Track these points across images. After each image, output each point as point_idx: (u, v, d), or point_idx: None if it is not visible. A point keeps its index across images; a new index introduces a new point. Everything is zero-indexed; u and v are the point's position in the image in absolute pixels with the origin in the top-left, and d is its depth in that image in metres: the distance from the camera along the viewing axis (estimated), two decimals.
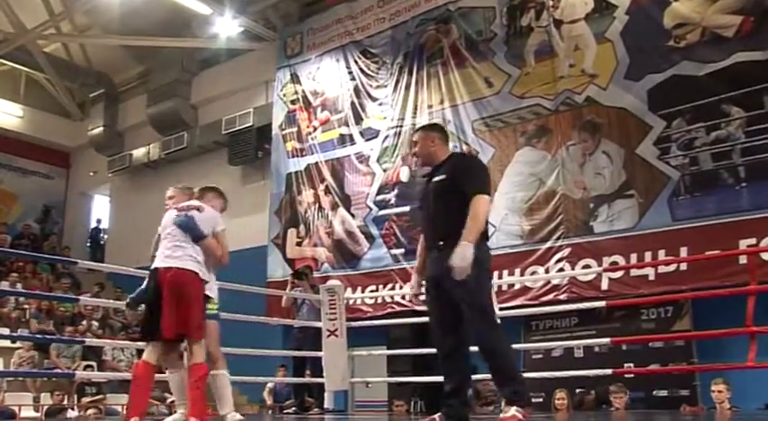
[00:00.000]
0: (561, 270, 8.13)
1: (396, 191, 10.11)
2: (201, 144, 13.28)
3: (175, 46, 13.20)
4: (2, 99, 14.92)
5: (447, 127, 8.74)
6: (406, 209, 9.85)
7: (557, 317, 8.32)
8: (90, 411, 8.72)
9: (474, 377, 3.83)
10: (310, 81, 11.57)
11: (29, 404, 8.90)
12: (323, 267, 10.62)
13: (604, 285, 7.79)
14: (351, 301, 9.35)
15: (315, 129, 11.34)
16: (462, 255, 3.30)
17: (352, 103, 10.87)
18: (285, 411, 8.78)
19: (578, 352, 7.90)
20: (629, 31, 8.27)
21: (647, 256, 7.61)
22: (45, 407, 8.73)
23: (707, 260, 6.89)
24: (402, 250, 9.78)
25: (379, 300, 9.69)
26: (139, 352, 3.89)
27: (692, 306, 7.42)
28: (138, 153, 14.24)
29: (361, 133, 10.70)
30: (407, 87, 10.22)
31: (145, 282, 4.08)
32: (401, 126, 10.20)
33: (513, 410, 3.32)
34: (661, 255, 7.54)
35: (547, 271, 8.24)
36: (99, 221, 16.32)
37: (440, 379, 3.64)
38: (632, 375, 7.29)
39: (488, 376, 3.58)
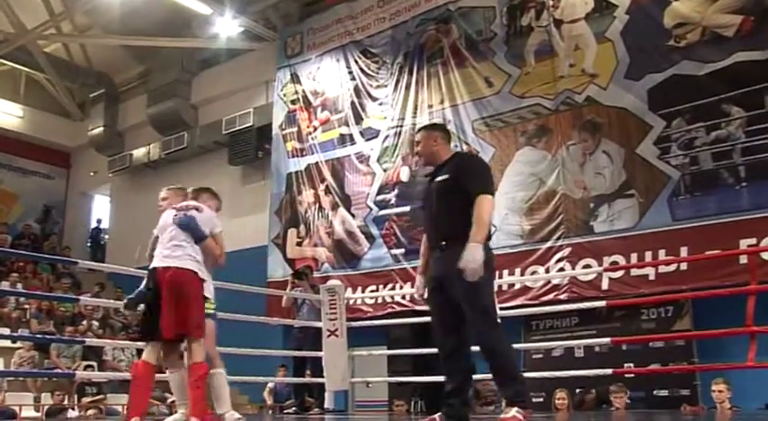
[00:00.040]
0: (561, 270, 8.13)
1: (396, 191, 10.11)
2: (202, 144, 13.28)
3: (175, 46, 13.20)
4: (2, 99, 14.93)
5: (447, 127, 8.73)
6: (407, 209, 9.85)
7: (557, 317, 8.31)
8: (90, 411, 8.73)
9: (474, 377, 3.82)
10: (310, 81, 11.57)
11: (29, 404, 8.90)
12: (323, 267, 10.62)
13: (605, 285, 7.79)
14: (351, 301, 9.35)
15: (315, 129, 11.34)
16: (472, 257, 3.30)
17: (353, 103, 10.87)
18: (285, 411, 8.78)
19: (579, 352, 7.90)
20: (629, 31, 8.27)
21: (648, 256, 7.61)
22: (45, 407, 8.74)
23: (707, 260, 6.88)
24: (402, 250, 9.78)
25: (380, 300, 9.69)
26: (140, 352, 3.89)
27: (692, 306, 7.41)
28: (139, 153, 14.25)
29: (362, 133, 10.70)
30: (408, 87, 10.22)
31: (143, 283, 4.08)
32: (401, 126, 10.20)
33: (513, 411, 3.31)
34: (661, 254, 7.54)
35: (547, 270, 8.24)
36: (99, 221, 16.32)
37: (440, 379, 3.64)
38: (633, 375, 7.28)
39: (489, 376, 3.58)
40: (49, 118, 15.66)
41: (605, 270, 7.50)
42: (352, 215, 10.51)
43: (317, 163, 11.16)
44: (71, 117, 15.97)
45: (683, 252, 7.37)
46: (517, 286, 8.35)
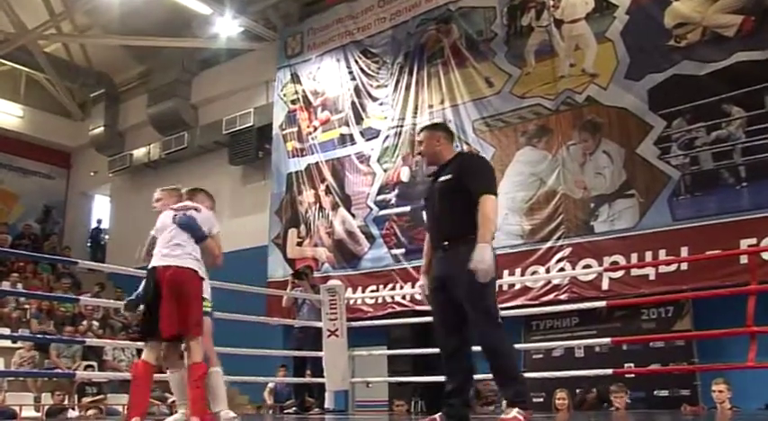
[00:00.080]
0: (562, 270, 8.13)
1: (396, 191, 10.11)
2: (202, 144, 13.28)
3: (176, 46, 13.20)
4: (2, 99, 14.93)
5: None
6: (407, 209, 9.85)
7: (557, 317, 8.31)
8: (91, 411, 8.73)
9: (475, 377, 3.81)
10: (311, 81, 11.57)
11: (30, 404, 8.90)
12: (323, 267, 10.62)
13: (605, 285, 7.79)
14: (351, 301, 9.34)
15: (315, 128, 11.34)
16: (481, 258, 3.30)
17: (353, 103, 10.87)
18: (286, 411, 8.78)
19: (579, 352, 7.90)
20: (629, 31, 8.27)
21: (648, 256, 7.61)
22: (46, 407, 8.74)
23: (707, 260, 6.88)
24: (402, 250, 9.79)
25: (380, 300, 9.69)
26: (140, 352, 3.88)
27: (692, 306, 7.41)
28: (139, 153, 14.25)
29: (362, 133, 10.70)
30: (408, 87, 10.22)
31: (143, 283, 4.07)
32: (402, 126, 10.20)
33: (514, 412, 3.30)
34: (662, 254, 7.54)
35: (547, 271, 8.23)
36: (99, 221, 16.32)
37: (440, 379, 3.64)
38: (633, 375, 7.29)
39: (489, 376, 3.58)
40: (50, 118, 15.67)
41: (605, 270, 7.50)
42: (353, 215, 10.51)
43: (317, 163, 11.16)
44: (71, 117, 15.97)
45: (684, 252, 7.37)
46: (517, 286, 8.34)
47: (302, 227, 11.12)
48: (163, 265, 3.84)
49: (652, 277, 7.55)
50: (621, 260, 7.75)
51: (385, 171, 10.29)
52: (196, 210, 4.09)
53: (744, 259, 6.59)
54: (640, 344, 7.42)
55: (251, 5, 11.79)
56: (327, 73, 11.35)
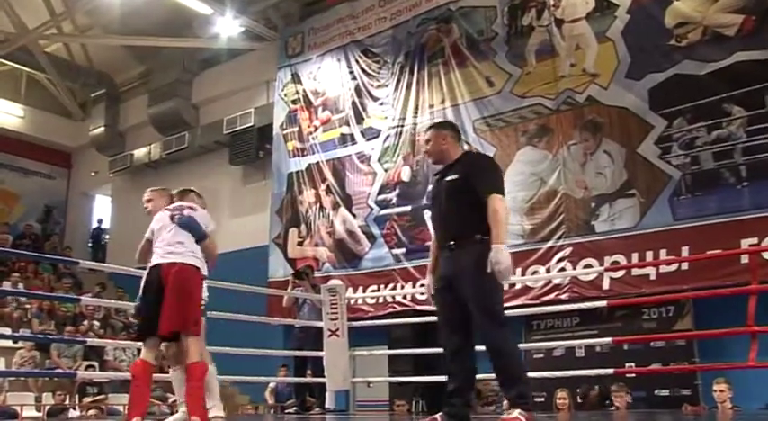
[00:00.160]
0: (562, 269, 8.14)
1: (397, 190, 10.11)
2: (202, 144, 13.28)
3: (176, 46, 13.20)
4: (3, 99, 14.94)
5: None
6: (408, 208, 9.86)
7: (558, 317, 8.31)
8: (92, 411, 8.73)
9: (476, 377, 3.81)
10: (311, 81, 11.57)
11: (30, 404, 8.90)
12: (324, 267, 10.62)
13: (606, 285, 7.79)
14: (352, 301, 9.34)
15: (316, 128, 11.34)
16: (497, 259, 3.31)
17: (353, 103, 10.87)
18: (287, 411, 8.78)
19: (580, 351, 7.91)
20: (630, 31, 8.26)
21: (649, 256, 7.60)
22: (47, 407, 8.74)
23: (708, 259, 6.87)
24: (403, 250, 9.78)
25: (381, 300, 9.68)
26: (141, 352, 3.87)
27: (693, 305, 7.41)
28: (140, 153, 14.25)
29: (363, 133, 10.70)
30: (408, 87, 10.22)
31: (143, 283, 4.06)
32: (402, 126, 10.20)
33: (516, 412, 3.29)
34: (662, 254, 7.53)
35: (548, 270, 8.23)
36: (100, 221, 16.33)
37: (441, 378, 3.63)
38: (634, 375, 7.29)
39: (489, 376, 3.57)
40: (50, 118, 15.68)
41: (606, 270, 7.50)
42: (353, 215, 10.51)
43: (317, 163, 11.16)
44: (72, 117, 15.98)
45: (684, 252, 7.37)
46: (518, 286, 8.34)
47: (303, 226, 11.12)
48: (167, 262, 3.83)
49: (653, 277, 7.55)
50: (622, 260, 7.75)
51: (386, 171, 10.29)
52: (192, 209, 4.10)
53: (744, 259, 6.59)
54: (641, 343, 7.43)
55: (252, 5, 11.79)
56: (328, 73, 11.35)
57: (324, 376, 6.79)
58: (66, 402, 8.87)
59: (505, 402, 3.48)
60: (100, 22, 13.50)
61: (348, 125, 10.88)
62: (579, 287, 7.99)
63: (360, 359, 8.31)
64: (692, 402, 7.04)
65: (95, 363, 9.92)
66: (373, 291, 9.80)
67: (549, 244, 8.41)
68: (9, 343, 9.92)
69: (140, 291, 4.06)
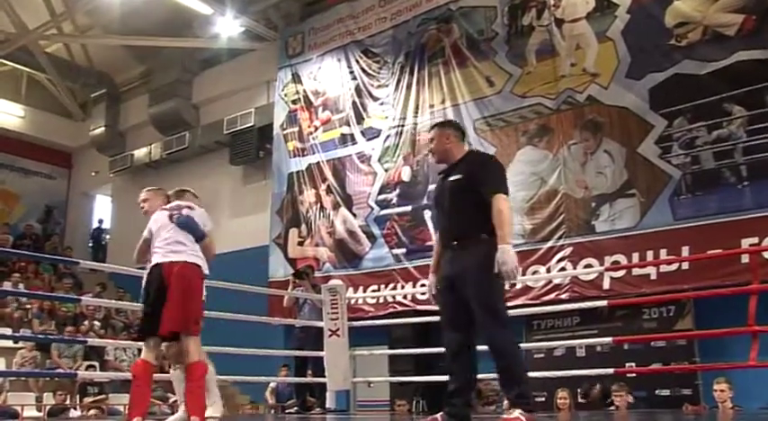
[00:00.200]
0: (563, 269, 8.13)
1: (397, 190, 10.11)
2: (203, 144, 13.28)
3: (177, 46, 13.21)
4: (3, 99, 14.94)
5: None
6: (408, 208, 9.85)
7: (558, 317, 8.31)
8: (92, 411, 8.73)
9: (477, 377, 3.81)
10: (312, 81, 11.57)
11: (31, 404, 8.90)
12: (324, 267, 10.62)
13: (606, 284, 7.79)
14: (352, 301, 9.34)
15: (316, 128, 11.34)
16: (504, 260, 3.33)
17: (354, 103, 10.87)
18: (287, 411, 8.78)
19: (580, 351, 7.91)
20: (630, 30, 8.26)
21: (649, 256, 7.60)
22: (47, 407, 8.74)
23: (709, 259, 6.86)
24: (404, 250, 9.78)
25: (381, 300, 9.68)
26: (141, 352, 3.87)
27: (693, 305, 7.41)
28: (140, 153, 14.24)
29: (363, 133, 10.70)
30: (409, 87, 10.22)
31: (144, 283, 4.06)
32: (402, 125, 10.20)
33: (517, 412, 3.29)
34: (663, 254, 7.53)
35: (548, 270, 8.23)
36: (101, 221, 16.34)
37: (442, 378, 3.63)
38: (634, 374, 7.29)
39: (490, 375, 3.57)
40: (51, 118, 15.68)
41: (607, 269, 7.50)
42: (354, 215, 10.51)
43: (318, 163, 11.16)
44: (72, 117, 15.98)
45: (685, 251, 7.36)
46: (518, 286, 8.31)
47: (303, 226, 11.12)
48: (169, 261, 3.84)
49: (653, 276, 7.55)
50: (623, 259, 7.75)
51: (386, 171, 10.29)
52: (190, 208, 4.11)
53: (745, 258, 6.58)
54: (642, 343, 7.43)
55: (252, 5, 11.79)
56: (328, 73, 11.35)
57: (324, 376, 6.79)
58: (67, 402, 8.88)
59: (506, 402, 3.47)
60: (100, 22, 13.51)
61: (348, 125, 10.88)
62: (580, 287, 7.99)
63: (360, 359, 8.32)
64: (692, 402, 7.04)
65: (96, 363, 9.92)
66: (374, 290, 9.80)
67: (550, 244, 8.41)
68: (10, 343, 9.93)
69: (142, 291, 4.07)
